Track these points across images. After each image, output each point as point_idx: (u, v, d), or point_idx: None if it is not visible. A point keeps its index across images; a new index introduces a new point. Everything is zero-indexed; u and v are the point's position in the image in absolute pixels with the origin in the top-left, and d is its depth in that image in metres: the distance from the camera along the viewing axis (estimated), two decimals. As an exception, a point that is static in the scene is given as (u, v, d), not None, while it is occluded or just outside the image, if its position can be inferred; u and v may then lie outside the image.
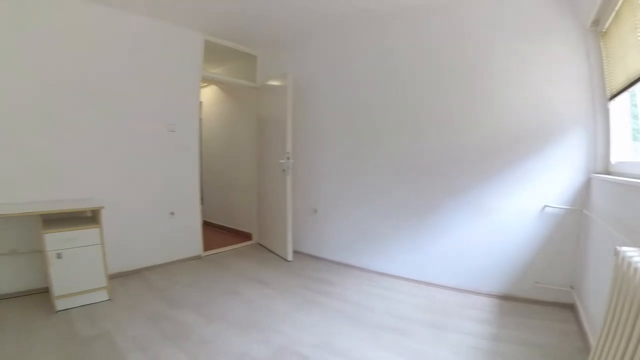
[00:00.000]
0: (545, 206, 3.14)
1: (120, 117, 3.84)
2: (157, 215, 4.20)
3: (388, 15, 3.86)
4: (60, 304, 3.01)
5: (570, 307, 3.04)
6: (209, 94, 6.63)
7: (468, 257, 3.54)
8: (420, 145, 3.77)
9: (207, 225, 6.53)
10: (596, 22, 2.72)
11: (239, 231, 5.88)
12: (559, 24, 3.02)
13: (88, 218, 3.39)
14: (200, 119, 6.96)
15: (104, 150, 3.74)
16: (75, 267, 3.07)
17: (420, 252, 3.82)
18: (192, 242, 4.57)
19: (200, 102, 6.62)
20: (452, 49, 3.55)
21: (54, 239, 2.95)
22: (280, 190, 4.53)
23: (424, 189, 3.77)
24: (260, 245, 5.28)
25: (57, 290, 2.97)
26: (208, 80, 6.10)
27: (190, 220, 4.53)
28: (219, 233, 6.12)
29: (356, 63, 4.23)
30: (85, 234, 3.11)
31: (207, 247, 4.84)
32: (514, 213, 3.29)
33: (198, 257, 4.57)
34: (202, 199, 7.10)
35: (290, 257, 4.47)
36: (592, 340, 2.32)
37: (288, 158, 4.31)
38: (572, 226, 3.05)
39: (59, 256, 2.97)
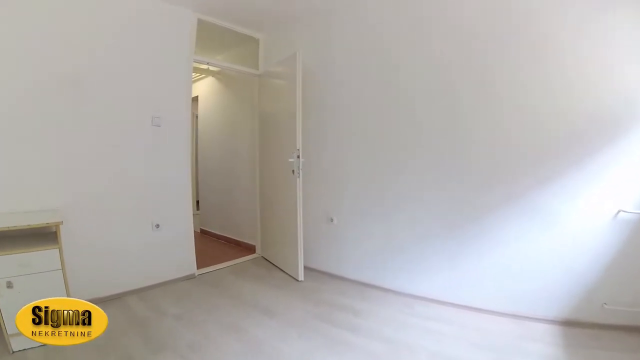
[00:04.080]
0: (620, 211, 2.54)
1: (90, 109, 3.10)
2: (139, 228, 3.46)
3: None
4: (16, 344, 2.36)
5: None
6: (205, 88, 5.91)
7: (523, 275, 2.87)
8: (465, 142, 3.05)
9: (204, 234, 5.84)
10: None
11: (240, 242, 5.13)
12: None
13: (49, 236, 2.66)
14: (196, 116, 6.31)
15: (70, 150, 3.02)
16: (31, 298, 2.30)
17: (466, 270, 3.09)
18: (184, 258, 3.82)
19: (196, 97, 5.99)
20: (496, 24, 2.87)
21: (2, 265, 2.29)
22: (288, 195, 3.78)
23: (468, 193, 3.06)
24: (265, 259, 4.52)
25: (9, 327, 2.30)
26: (203, 70, 5.43)
27: (180, 232, 3.78)
28: (217, 244, 5.39)
29: (386, 45, 3.48)
30: (40, 257, 2.43)
31: (202, 262, 4.10)
32: (580, 220, 2.68)
33: (191, 277, 3.83)
34: (197, 204, 6.42)
35: (301, 276, 3.72)
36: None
37: (298, 156, 3.56)
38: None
39: (9, 285, 2.32)
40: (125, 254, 3.36)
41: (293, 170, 3.60)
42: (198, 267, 3.95)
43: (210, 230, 5.80)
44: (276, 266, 4.19)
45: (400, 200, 3.41)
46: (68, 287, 2.54)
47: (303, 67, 3.62)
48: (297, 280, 3.72)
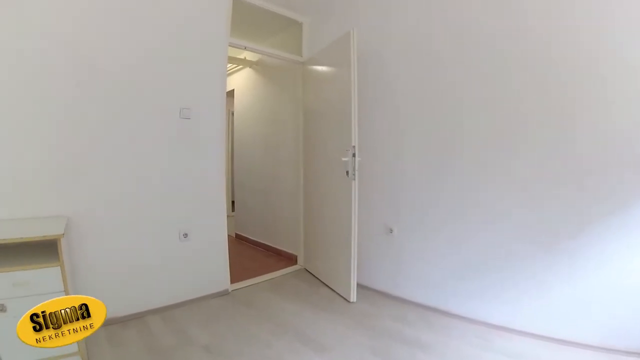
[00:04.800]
0: None
1: (105, 98, 2.63)
2: (163, 238, 2.95)
3: None
4: (10, 373, 1.90)
5: None
6: (241, 80, 5.42)
7: (622, 301, 2.23)
8: (559, 135, 2.39)
9: (240, 240, 5.34)
10: None
11: (280, 251, 4.59)
12: None
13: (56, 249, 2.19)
14: (232, 112, 5.85)
15: (82, 147, 2.56)
16: (30, 323, 1.93)
17: (556, 293, 2.44)
18: (216, 273, 3.28)
19: (232, 91, 5.52)
20: None
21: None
22: (339, 200, 3.20)
23: (564, 203, 2.39)
24: (308, 272, 3.96)
25: (4, 354, 1.89)
26: (240, 61, 4.93)
27: (212, 243, 3.25)
28: (254, 251, 4.87)
29: (457, 19, 2.85)
30: (39, 276, 1.96)
31: (237, 274, 3.58)
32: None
33: (224, 293, 3.30)
34: (233, 205, 5.95)
35: (353, 296, 3.11)
36: None
37: (354, 155, 2.96)
38: None
39: (1, 309, 1.89)
40: (147, 267, 2.87)
41: (347, 172, 3.00)
42: (232, 281, 3.42)
43: (246, 236, 5.30)
44: (322, 282, 3.61)
45: (477, 208, 2.75)
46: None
47: (358, 48, 3.02)
48: (348, 302, 3.12)
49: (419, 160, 3.07)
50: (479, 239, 2.75)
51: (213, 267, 3.26)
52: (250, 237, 5.21)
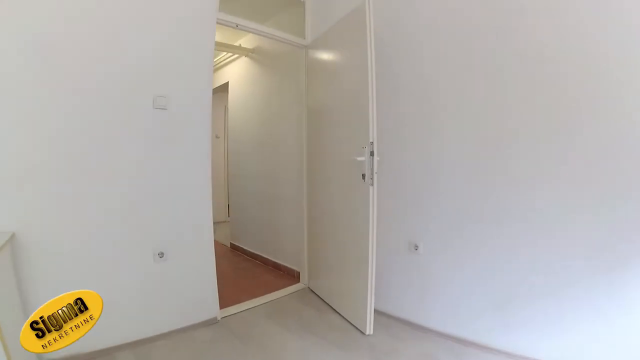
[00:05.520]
0: None
1: (61, 83, 2.07)
2: (134, 258, 2.37)
3: None
4: None
5: None
6: (237, 71, 4.85)
7: None
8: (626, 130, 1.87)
9: (235, 251, 4.79)
10: None
11: (280, 266, 4.00)
12: None
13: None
14: (227, 108, 5.33)
15: (31, 144, 2.00)
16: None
17: (621, 326, 1.92)
18: (201, 298, 2.69)
19: (226, 84, 5.00)
20: None
21: None
22: (353, 209, 2.63)
23: (628, 210, 1.87)
24: (313, 292, 3.38)
25: None
26: (235, 49, 4.39)
27: (195, 263, 2.67)
28: (250, 265, 4.29)
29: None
30: None
31: (230, 295, 3.04)
32: None
33: (212, 322, 2.72)
34: (228, 209, 5.40)
35: (369, 328, 2.53)
36: None
37: (372, 153, 2.39)
38: None
39: None
40: (116, 293, 2.29)
41: (363, 175, 2.43)
42: (223, 305, 2.86)
43: (242, 247, 4.71)
44: (330, 306, 3.02)
45: (523, 223, 2.20)
46: (9, 353, 1.53)
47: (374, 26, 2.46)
48: (364, 334, 2.55)
49: (456, 165, 2.49)
50: (529, 263, 2.20)
51: (197, 292, 2.67)
52: (246, 249, 4.62)
